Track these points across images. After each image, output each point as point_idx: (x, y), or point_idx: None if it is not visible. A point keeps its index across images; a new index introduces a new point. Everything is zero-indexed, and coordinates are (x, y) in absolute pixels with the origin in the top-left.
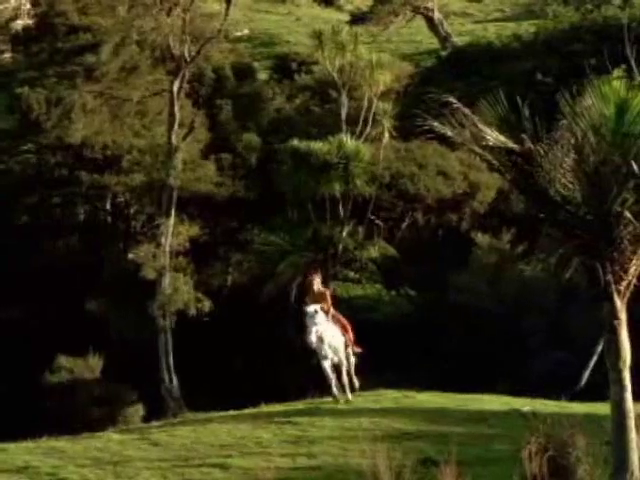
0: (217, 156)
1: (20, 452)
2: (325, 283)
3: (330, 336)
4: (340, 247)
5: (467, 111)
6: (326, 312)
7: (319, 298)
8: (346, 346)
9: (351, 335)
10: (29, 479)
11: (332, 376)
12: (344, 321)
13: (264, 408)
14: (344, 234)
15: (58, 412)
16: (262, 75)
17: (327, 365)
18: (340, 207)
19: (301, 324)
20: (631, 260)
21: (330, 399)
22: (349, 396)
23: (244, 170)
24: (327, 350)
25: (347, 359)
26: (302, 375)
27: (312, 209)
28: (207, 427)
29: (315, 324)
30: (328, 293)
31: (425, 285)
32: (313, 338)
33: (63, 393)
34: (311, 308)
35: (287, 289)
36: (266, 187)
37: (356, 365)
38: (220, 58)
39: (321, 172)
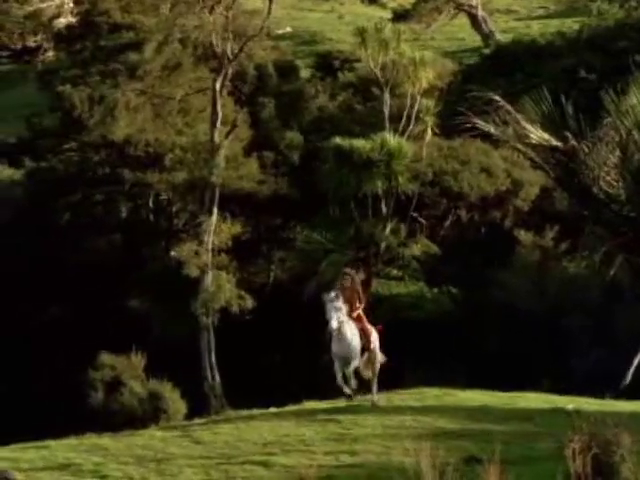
0: (259, 154)
1: (63, 449)
2: (366, 283)
3: (350, 332)
4: (382, 245)
5: (510, 108)
6: (351, 311)
7: (349, 295)
8: (362, 350)
9: (373, 343)
10: (72, 476)
11: (340, 373)
12: (367, 325)
13: (306, 405)
14: (386, 232)
15: (101, 409)
16: (304, 73)
17: (341, 365)
18: (382, 205)
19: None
20: None
21: (370, 397)
22: (348, 390)
23: (286, 168)
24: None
25: (366, 369)
26: None
27: (354, 207)
28: (249, 424)
29: (336, 310)
30: (360, 290)
31: (468, 283)
32: (334, 324)
33: (106, 390)
34: (331, 293)
35: (329, 287)
36: (308, 185)
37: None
38: (262, 56)
39: (364, 170)
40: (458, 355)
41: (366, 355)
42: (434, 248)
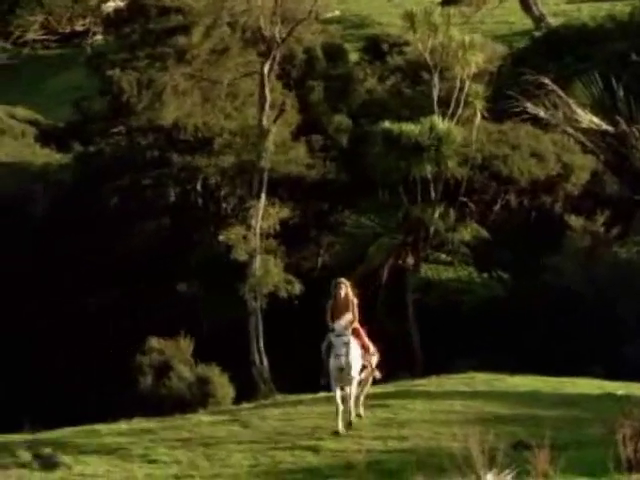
0: (308, 138)
1: (111, 434)
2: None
3: (352, 357)
4: (431, 229)
5: (561, 92)
6: (349, 324)
7: (344, 308)
8: (363, 368)
9: (373, 358)
10: (120, 461)
11: (337, 393)
12: (366, 339)
13: None
14: (435, 216)
15: (149, 394)
16: (353, 56)
17: (339, 394)
18: (431, 189)
19: (327, 344)
20: None
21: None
22: (340, 425)
23: (335, 152)
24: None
25: (361, 384)
26: (393, 358)
27: (403, 191)
28: (298, 409)
29: (346, 345)
30: (356, 303)
31: (518, 268)
32: (343, 362)
33: (154, 375)
34: (341, 323)
35: (378, 272)
36: (357, 169)
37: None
38: (311, 39)
39: (412, 154)
40: (508, 340)
41: (364, 374)
42: (484, 233)
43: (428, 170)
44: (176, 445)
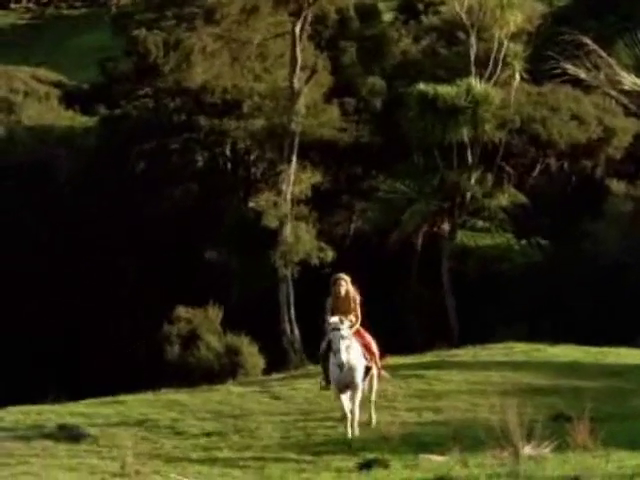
0: (340, 100)
1: (139, 405)
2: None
3: (353, 357)
4: (468, 195)
5: (602, 53)
6: (351, 325)
7: (345, 306)
8: (367, 370)
9: (377, 359)
10: (147, 432)
11: (347, 406)
12: (369, 339)
13: (389, 361)
14: (472, 181)
15: (177, 364)
16: (387, 16)
17: (344, 400)
18: (468, 153)
19: (327, 340)
20: None
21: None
22: (349, 432)
23: (368, 115)
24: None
25: (368, 386)
26: (428, 327)
27: (439, 155)
28: None
29: (344, 338)
30: (358, 300)
31: (557, 235)
32: (344, 357)
33: (182, 345)
34: (335, 318)
35: (413, 238)
36: (391, 132)
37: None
38: None
39: (449, 117)
40: (547, 309)
41: (369, 376)
42: (522, 198)
43: (465, 133)
44: (205, 417)
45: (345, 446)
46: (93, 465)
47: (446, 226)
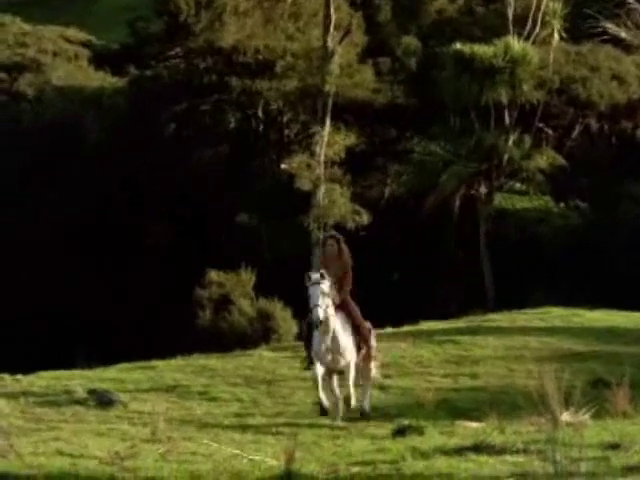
0: (375, 60)
1: (170, 370)
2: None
3: (339, 326)
4: (505, 157)
5: None
6: (337, 290)
7: (334, 268)
8: (359, 348)
9: (370, 337)
10: (179, 398)
11: (322, 383)
12: (358, 314)
13: (423, 326)
14: (510, 143)
15: (209, 329)
16: None
17: (319, 369)
18: (506, 114)
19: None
20: None
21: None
22: (338, 418)
23: (403, 75)
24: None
25: (359, 371)
26: (464, 292)
27: (476, 116)
28: None
29: (323, 295)
30: (350, 264)
31: (597, 197)
32: (320, 314)
33: (214, 309)
34: (316, 274)
35: (449, 202)
36: (427, 93)
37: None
38: None
39: (486, 77)
40: (586, 273)
41: (360, 355)
42: (561, 160)
43: (502, 94)
44: (237, 382)
45: (378, 413)
46: (124, 431)
47: (483, 189)
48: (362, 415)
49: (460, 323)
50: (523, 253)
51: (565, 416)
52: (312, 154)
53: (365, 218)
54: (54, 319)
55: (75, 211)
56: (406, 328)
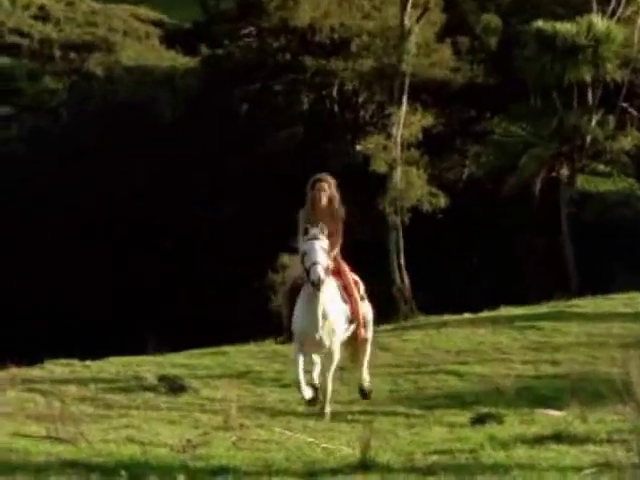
0: (453, 39)
1: (242, 356)
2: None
3: (329, 296)
4: (588, 138)
5: None
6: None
7: (324, 219)
8: (350, 321)
9: (363, 305)
10: (251, 384)
11: (300, 364)
12: (351, 277)
13: (503, 311)
14: (593, 123)
15: (282, 314)
16: None
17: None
18: (589, 94)
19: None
20: None
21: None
22: (327, 409)
23: (483, 54)
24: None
25: (350, 344)
26: (545, 276)
27: (558, 96)
28: (441, 331)
29: (324, 251)
30: (343, 215)
31: None
32: (321, 272)
33: None
34: (315, 228)
35: (529, 184)
36: (507, 72)
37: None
38: None
39: (568, 56)
40: None
41: (351, 329)
42: None
43: (585, 73)
44: (311, 368)
45: (455, 400)
46: (195, 418)
47: (565, 171)
48: (363, 394)
49: (542, 309)
50: (606, 237)
51: None
52: (388, 135)
53: (442, 201)
54: (123, 304)
55: (143, 192)
56: (485, 314)
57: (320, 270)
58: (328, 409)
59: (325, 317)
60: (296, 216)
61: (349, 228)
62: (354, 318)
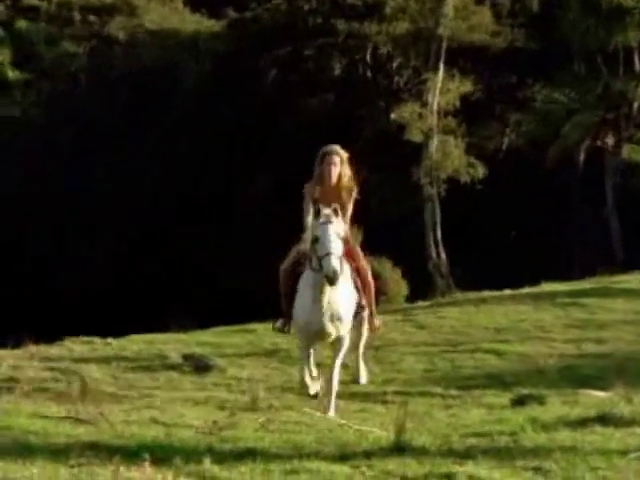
0: (493, 1)
1: (269, 334)
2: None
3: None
4: (635, 105)
5: None
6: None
7: (334, 197)
8: (357, 312)
9: (372, 294)
10: (279, 363)
11: (311, 361)
12: (364, 264)
13: (545, 287)
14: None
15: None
16: None
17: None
18: (635, 59)
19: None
20: None
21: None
22: (332, 406)
23: (524, 17)
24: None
25: (356, 333)
26: (590, 251)
27: (602, 61)
28: (480, 308)
29: (338, 237)
30: (355, 194)
31: None
32: (336, 264)
33: None
34: (327, 209)
35: (573, 153)
36: (549, 36)
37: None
38: None
39: (614, 19)
40: None
41: (358, 319)
42: None
43: (632, 37)
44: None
45: (494, 380)
46: (221, 399)
47: (610, 139)
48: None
49: (586, 284)
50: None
51: None
52: (424, 103)
53: (481, 171)
54: (147, 280)
55: (171, 160)
56: (526, 290)
57: (335, 263)
58: (333, 405)
59: (333, 307)
60: (302, 192)
61: (382, 201)
62: (366, 305)
